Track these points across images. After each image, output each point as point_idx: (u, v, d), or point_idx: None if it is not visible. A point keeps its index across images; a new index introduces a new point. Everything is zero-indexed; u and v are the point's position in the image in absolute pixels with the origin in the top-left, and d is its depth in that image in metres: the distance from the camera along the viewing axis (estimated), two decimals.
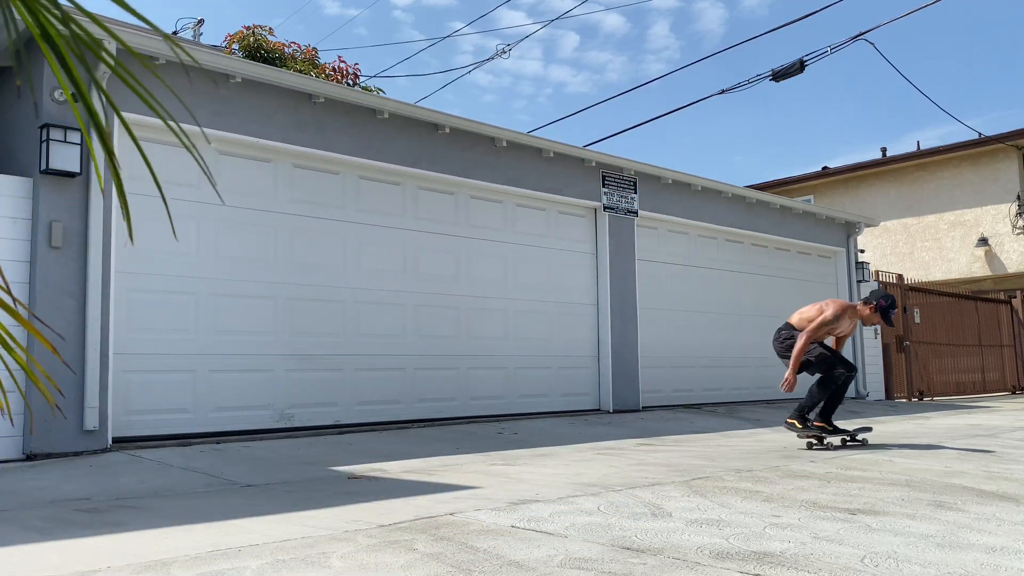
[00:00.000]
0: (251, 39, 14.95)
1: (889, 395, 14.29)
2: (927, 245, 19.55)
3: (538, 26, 33.09)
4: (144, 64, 1.35)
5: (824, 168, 21.63)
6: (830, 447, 6.69)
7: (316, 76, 14.36)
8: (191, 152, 1.39)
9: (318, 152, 7.67)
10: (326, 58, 20.35)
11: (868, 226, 14.54)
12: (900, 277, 15.64)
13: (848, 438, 6.82)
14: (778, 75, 13.05)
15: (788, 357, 6.79)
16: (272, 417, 7.24)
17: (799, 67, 12.83)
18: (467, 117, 8.89)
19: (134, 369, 6.51)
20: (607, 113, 67.80)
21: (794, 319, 7.09)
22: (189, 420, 6.74)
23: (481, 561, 2.87)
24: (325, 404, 7.60)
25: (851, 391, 13.61)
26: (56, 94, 6.08)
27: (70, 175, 6.07)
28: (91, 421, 5.97)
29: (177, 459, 5.73)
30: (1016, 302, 17.85)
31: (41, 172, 5.97)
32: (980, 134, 18.57)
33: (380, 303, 8.11)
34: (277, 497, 4.40)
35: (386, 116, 8.14)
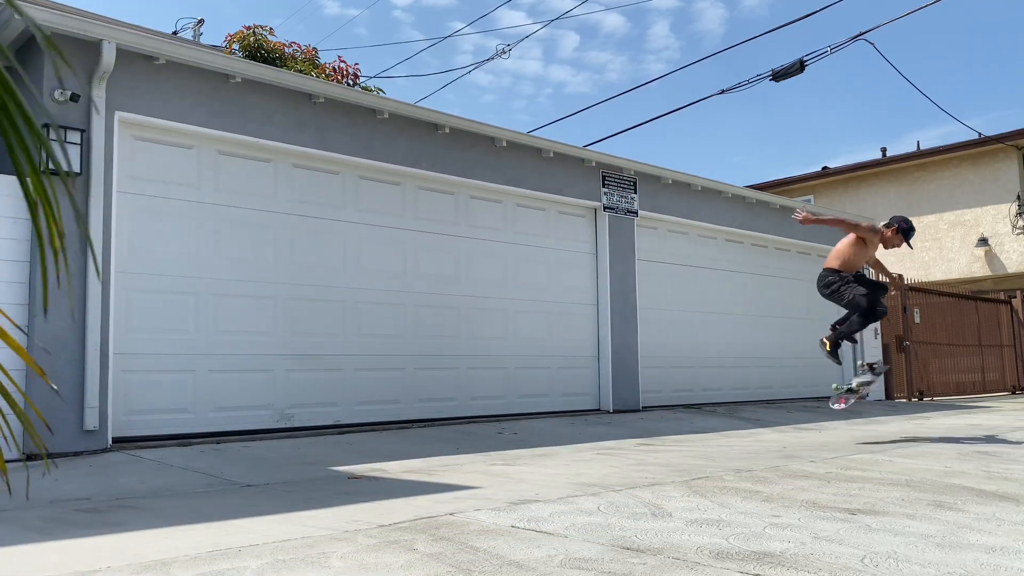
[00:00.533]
0: (251, 39, 14.95)
1: (889, 395, 14.29)
2: (927, 245, 19.54)
3: (538, 26, 33.10)
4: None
5: (824, 168, 21.62)
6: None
7: (316, 76, 14.36)
8: None
9: (318, 152, 7.67)
10: (326, 58, 20.35)
11: None
12: (900, 277, 15.59)
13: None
14: (778, 75, 13.05)
15: (837, 300, 7.08)
16: (272, 417, 7.24)
17: (799, 67, 12.84)
18: (467, 117, 8.90)
19: (134, 369, 6.51)
20: (607, 113, 67.82)
21: (831, 261, 7.26)
22: (189, 420, 6.74)
23: (481, 561, 2.87)
24: (325, 404, 7.60)
25: None
26: (56, 94, 6.08)
27: (70, 175, 6.07)
28: (91, 421, 5.97)
29: (177, 459, 5.73)
30: (1016, 302, 17.85)
31: (41, 172, 5.96)
32: (980, 134, 18.58)
33: (380, 303, 8.11)
34: (277, 497, 4.40)
35: (386, 116, 8.13)
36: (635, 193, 10.52)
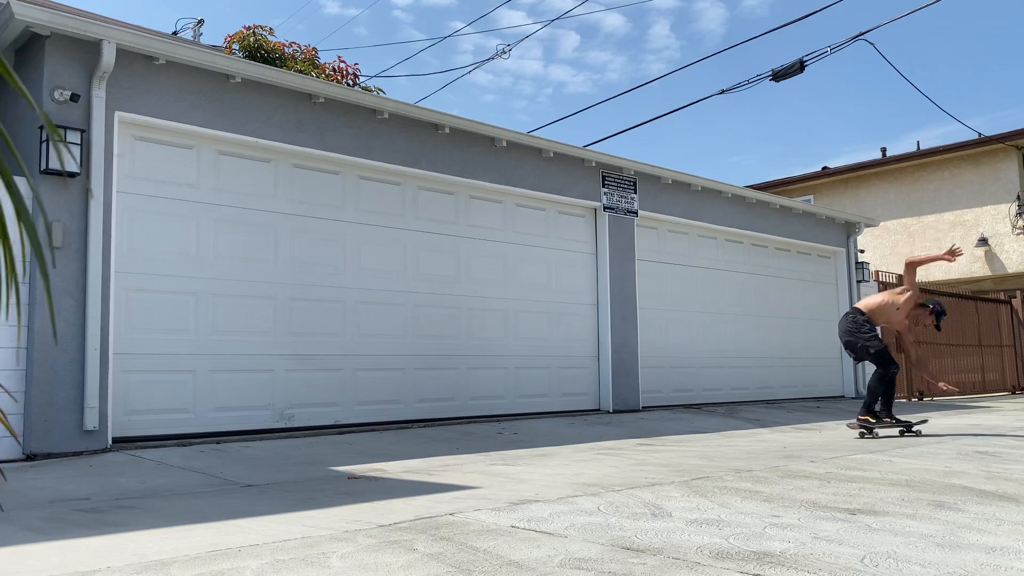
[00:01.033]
0: (251, 39, 14.94)
1: None
2: (927, 245, 19.53)
3: (538, 26, 33.08)
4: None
5: (824, 168, 21.62)
6: (877, 436, 7.41)
7: (316, 76, 14.36)
8: None
9: (318, 152, 7.67)
10: (326, 58, 20.37)
11: (868, 226, 14.55)
12: (900, 278, 15.63)
13: (906, 428, 7.51)
14: (778, 75, 13.05)
15: (854, 341, 7.48)
16: (272, 417, 7.24)
17: (799, 67, 12.83)
18: (467, 117, 8.90)
19: (134, 369, 6.51)
20: (607, 113, 67.81)
21: (862, 305, 7.72)
22: (189, 420, 6.74)
23: (481, 561, 2.87)
24: (325, 404, 7.60)
25: (851, 391, 13.63)
26: (56, 94, 6.08)
27: (70, 175, 6.07)
28: (91, 421, 5.97)
29: (177, 459, 5.73)
30: (1016, 302, 17.85)
31: (41, 172, 5.97)
32: (980, 134, 18.57)
33: (380, 303, 8.11)
34: (277, 497, 4.40)
35: (386, 116, 8.13)
36: (635, 193, 10.52)
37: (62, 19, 6.13)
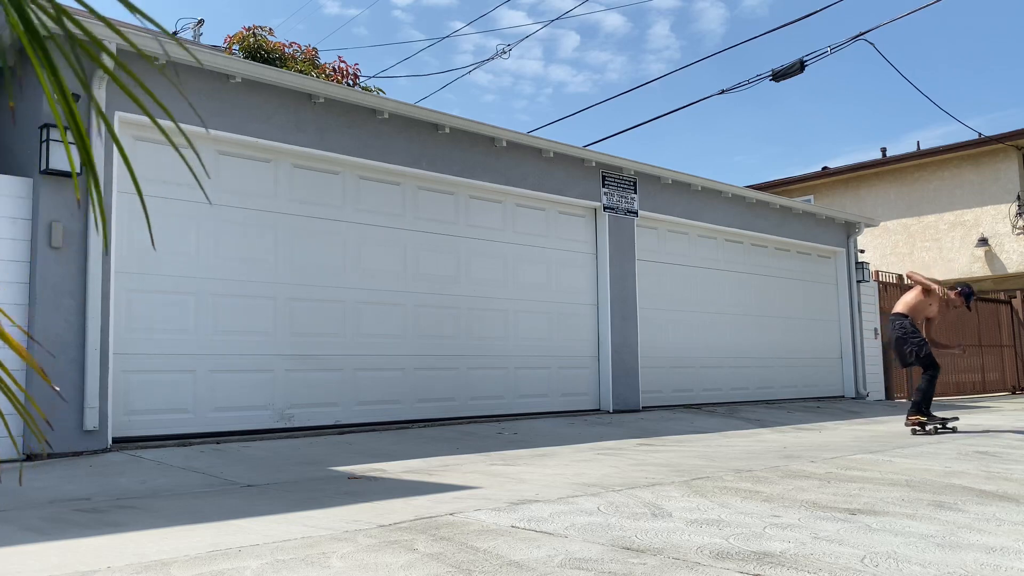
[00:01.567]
0: (251, 40, 14.94)
1: (889, 395, 14.29)
2: (927, 245, 19.53)
3: (538, 26, 33.07)
4: (151, 63, 1.35)
5: (824, 168, 21.61)
6: (930, 432, 7.87)
7: (316, 76, 14.36)
8: (183, 153, 1.39)
9: (318, 152, 7.67)
10: (326, 58, 20.35)
11: (868, 226, 14.54)
12: (900, 277, 15.64)
13: (941, 425, 7.98)
14: (778, 75, 13.05)
15: (905, 346, 7.97)
16: (272, 417, 7.24)
17: (799, 67, 12.83)
18: (467, 117, 8.90)
19: (134, 369, 6.51)
20: (607, 113, 67.82)
21: (899, 307, 8.22)
22: (189, 420, 6.74)
23: (481, 561, 2.87)
24: (325, 404, 7.60)
25: (851, 391, 13.63)
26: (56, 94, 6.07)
27: (70, 175, 6.07)
28: (91, 421, 5.97)
29: (177, 459, 5.73)
30: (1016, 302, 17.84)
31: (41, 172, 5.97)
32: (980, 134, 18.56)
33: (380, 303, 8.11)
34: (277, 497, 4.40)
35: (386, 116, 8.14)
36: (635, 193, 10.52)
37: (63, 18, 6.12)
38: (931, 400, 7.97)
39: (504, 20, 47.53)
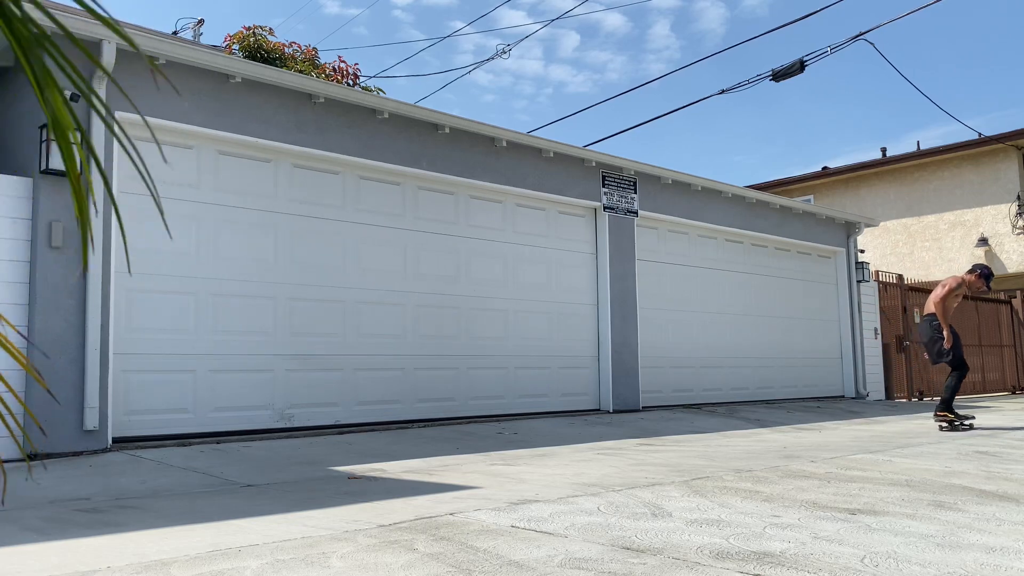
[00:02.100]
0: (251, 39, 14.94)
1: (889, 395, 14.29)
2: (927, 245, 19.54)
3: (538, 26, 33.08)
4: (152, 64, 1.35)
5: (824, 168, 21.61)
6: (957, 429, 8.22)
7: (316, 76, 14.36)
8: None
9: (318, 152, 7.67)
10: (326, 58, 20.35)
11: (868, 226, 14.54)
12: (900, 277, 15.63)
13: (961, 422, 8.31)
14: (778, 75, 13.05)
15: (935, 346, 8.42)
16: (272, 417, 7.24)
17: (799, 67, 12.83)
18: (467, 117, 8.90)
19: (134, 369, 6.51)
20: (607, 113, 67.81)
21: (933, 307, 8.53)
22: (189, 420, 6.74)
23: (481, 561, 2.87)
24: (325, 404, 7.60)
25: (851, 391, 13.63)
26: None
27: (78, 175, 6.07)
28: (91, 421, 5.97)
29: (177, 459, 5.73)
30: (1016, 302, 17.84)
31: (41, 172, 5.97)
32: (980, 134, 18.56)
33: (380, 303, 8.11)
34: (277, 497, 4.40)
35: (386, 116, 8.13)
36: (635, 193, 10.52)
37: (62, 19, 6.12)
38: (953, 397, 8.36)
39: (504, 20, 47.53)
